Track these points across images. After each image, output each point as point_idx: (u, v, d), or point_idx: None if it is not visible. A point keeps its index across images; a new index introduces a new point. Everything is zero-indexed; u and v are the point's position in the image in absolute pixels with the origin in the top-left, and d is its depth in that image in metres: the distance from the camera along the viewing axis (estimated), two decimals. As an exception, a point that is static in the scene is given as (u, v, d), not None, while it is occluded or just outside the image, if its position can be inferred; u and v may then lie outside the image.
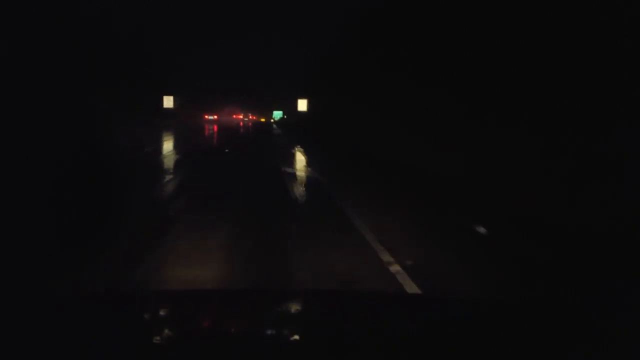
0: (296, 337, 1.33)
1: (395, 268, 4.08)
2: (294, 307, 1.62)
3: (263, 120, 74.91)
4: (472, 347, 1.19)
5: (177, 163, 13.22)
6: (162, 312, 1.52)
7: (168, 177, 9.98)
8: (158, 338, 1.28)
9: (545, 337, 1.25)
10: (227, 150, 17.69)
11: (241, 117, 65.75)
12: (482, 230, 5.54)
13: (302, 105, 44.77)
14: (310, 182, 10.00)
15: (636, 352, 1.16)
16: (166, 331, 1.33)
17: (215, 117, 55.49)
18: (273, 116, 72.57)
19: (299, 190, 8.66)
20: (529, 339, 1.23)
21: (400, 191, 8.48)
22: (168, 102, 43.68)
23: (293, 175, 10.71)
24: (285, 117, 62.61)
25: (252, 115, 75.69)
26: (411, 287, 3.67)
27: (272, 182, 9.37)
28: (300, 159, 15.20)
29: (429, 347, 1.20)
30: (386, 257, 4.38)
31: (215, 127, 40.31)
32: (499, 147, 8.16)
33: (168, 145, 19.72)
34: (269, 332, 1.36)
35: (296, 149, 18.51)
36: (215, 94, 67.66)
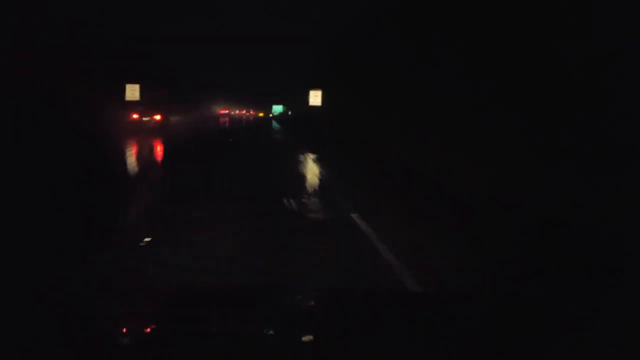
0: (298, 335, 1.31)
1: None
2: (296, 305, 1.60)
3: (261, 114, 75.45)
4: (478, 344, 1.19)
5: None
6: (164, 311, 1.48)
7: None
8: (160, 337, 1.26)
9: (543, 335, 1.25)
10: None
11: (244, 112, 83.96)
12: None
13: (315, 97, 31.73)
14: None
15: (634, 351, 1.15)
16: (169, 330, 1.31)
17: (227, 111, 74.58)
18: (272, 111, 70.41)
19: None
20: (526, 338, 1.24)
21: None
22: (132, 92, 26.88)
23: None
24: (289, 112, 59.26)
25: (252, 110, 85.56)
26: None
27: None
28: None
29: (431, 345, 1.20)
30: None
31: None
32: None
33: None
34: (271, 330, 1.35)
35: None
36: (213, 91, 71.19)
